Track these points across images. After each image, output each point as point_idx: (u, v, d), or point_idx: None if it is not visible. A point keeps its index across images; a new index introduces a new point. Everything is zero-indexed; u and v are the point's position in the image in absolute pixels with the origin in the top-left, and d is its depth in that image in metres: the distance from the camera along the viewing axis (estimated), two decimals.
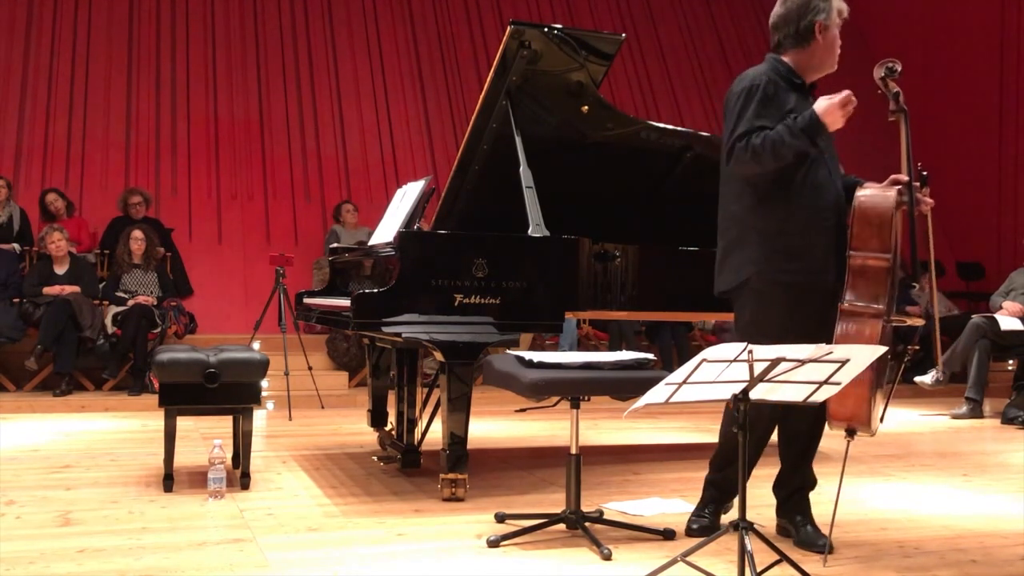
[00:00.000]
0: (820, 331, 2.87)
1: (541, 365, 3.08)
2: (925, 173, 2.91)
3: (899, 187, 2.91)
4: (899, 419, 6.63)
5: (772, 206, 2.94)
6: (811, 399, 2.41)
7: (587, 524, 3.06)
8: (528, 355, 3.16)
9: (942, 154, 11.36)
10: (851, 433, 2.82)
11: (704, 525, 3.16)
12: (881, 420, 2.83)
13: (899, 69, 2.94)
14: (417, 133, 9.98)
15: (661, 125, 4.43)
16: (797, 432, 3.07)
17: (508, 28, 3.79)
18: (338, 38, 10.08)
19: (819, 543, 2.95)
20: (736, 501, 2.57)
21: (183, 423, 4.27)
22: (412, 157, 9.85)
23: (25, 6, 9.18)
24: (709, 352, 2.32)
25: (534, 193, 3.80)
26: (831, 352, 2.29)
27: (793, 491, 3.11)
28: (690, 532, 3.15)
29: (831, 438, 3.18)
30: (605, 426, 6.02)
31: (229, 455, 3.97)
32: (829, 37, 2.98)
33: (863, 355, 2.31)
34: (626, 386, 3.03)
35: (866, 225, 2.84)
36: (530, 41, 3.84)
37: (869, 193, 2.88)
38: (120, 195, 8.25)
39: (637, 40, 11.20)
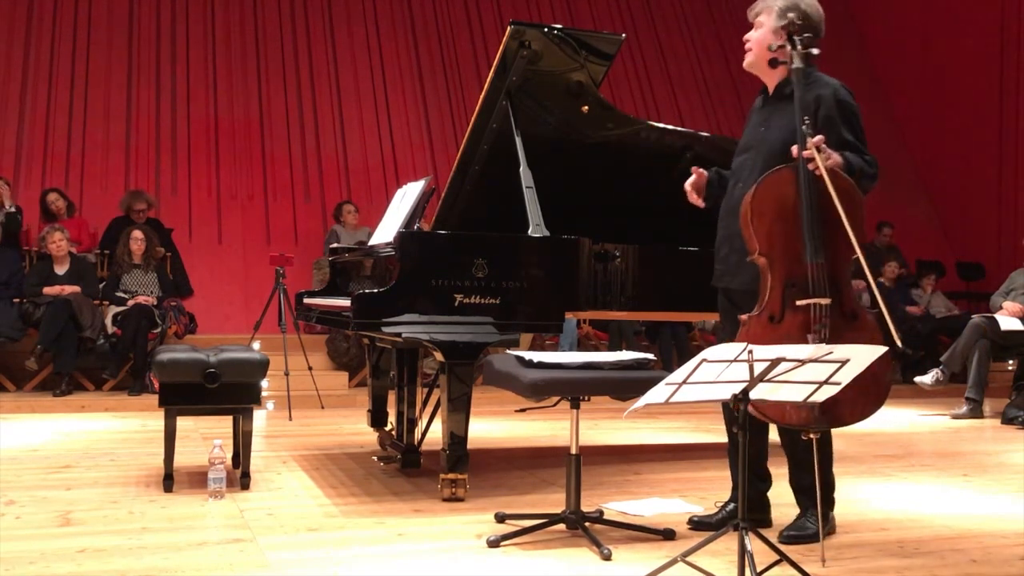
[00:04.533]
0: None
1: (541, 365, 3.07)
2: (806, 125, 2.79)
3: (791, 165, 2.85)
4: (899, 419, 6.63)
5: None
6: (811, 399, 2.42)
7: (587, 524, 3.06)
8: (528, 355, 3.16)
9: (942, 154, 11.36)
10: (811, 431, 2.80)
11: (704, 520, 3.20)
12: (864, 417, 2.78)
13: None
14: (417, 133, 9.98)
15: (661, 125, 4.44)
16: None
17: (508, 28, 3.79)
18: (338, 38, 10.07)
19: (808, 531, 2.99)
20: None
21: (183, 423, 4.27)
22: (412, 157, 9.85)
23: (25, 6, 9.18)
24: (709, 352, 2.32)
25: (534, 193, 3.80)
26: (831, 352, 2.30)
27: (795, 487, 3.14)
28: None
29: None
30: (605, 426, 6.02)
31: (229, 455, 3.97)
32: None
33: (863, 355, 2.31)
34: (626, 386, 3.03)
35: (745, 228, 2.89)
36: (530, 41, 3.84)
37: (742, 198, 2.92)
38: (123, 197, 8.23)
39: (637, 40, 11.19)
